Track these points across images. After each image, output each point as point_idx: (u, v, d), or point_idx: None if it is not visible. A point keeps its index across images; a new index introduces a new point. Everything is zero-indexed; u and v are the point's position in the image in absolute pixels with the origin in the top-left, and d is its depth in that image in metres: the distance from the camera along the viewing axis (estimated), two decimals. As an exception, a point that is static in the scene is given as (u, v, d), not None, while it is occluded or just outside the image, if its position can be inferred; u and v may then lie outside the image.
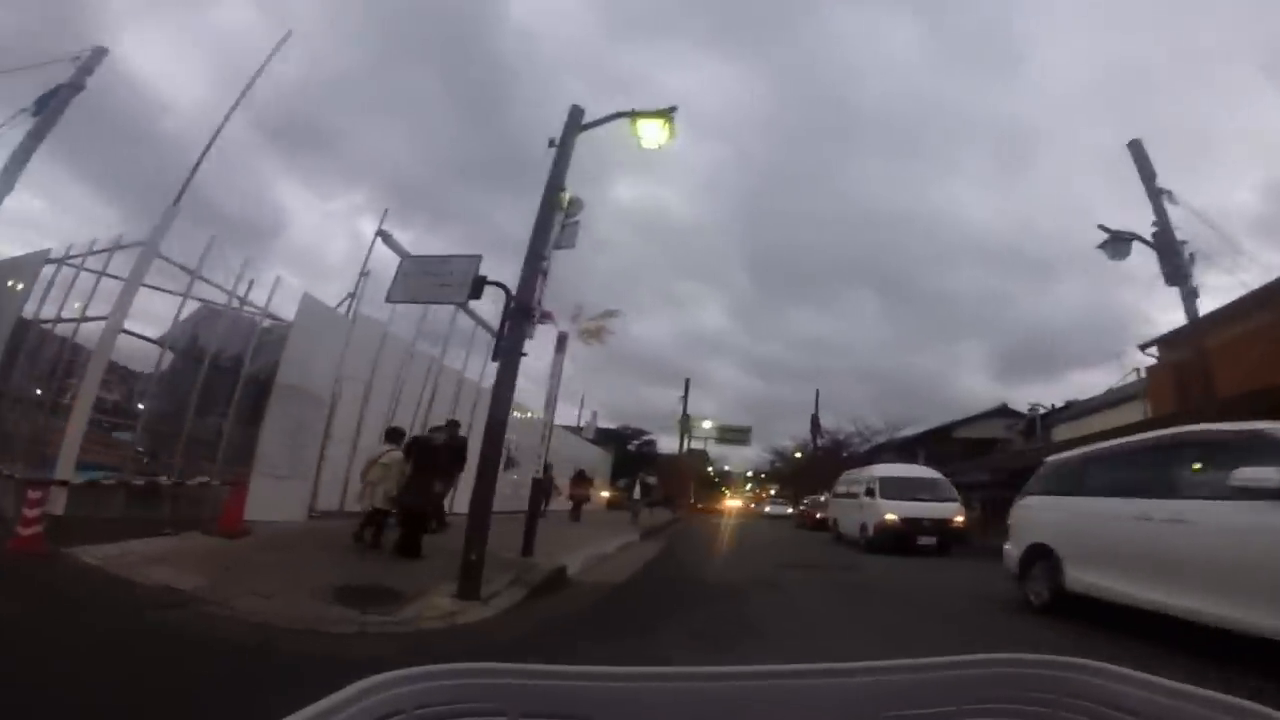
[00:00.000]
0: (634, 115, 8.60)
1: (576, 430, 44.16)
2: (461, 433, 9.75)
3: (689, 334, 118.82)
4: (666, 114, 8.68)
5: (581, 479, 20.47)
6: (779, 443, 67.95)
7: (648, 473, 59.16)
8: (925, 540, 14.54)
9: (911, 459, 44.18)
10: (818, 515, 26.07)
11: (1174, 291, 12.62)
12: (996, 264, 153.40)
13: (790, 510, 41.91)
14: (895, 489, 16.42)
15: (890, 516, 14.94)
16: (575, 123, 8.52)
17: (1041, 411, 39.61)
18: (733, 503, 75.10)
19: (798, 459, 60.46)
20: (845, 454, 50.29)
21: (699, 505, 55.02)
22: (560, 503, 19.90)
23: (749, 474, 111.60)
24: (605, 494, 36.83)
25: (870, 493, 16.47)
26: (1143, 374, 27.43)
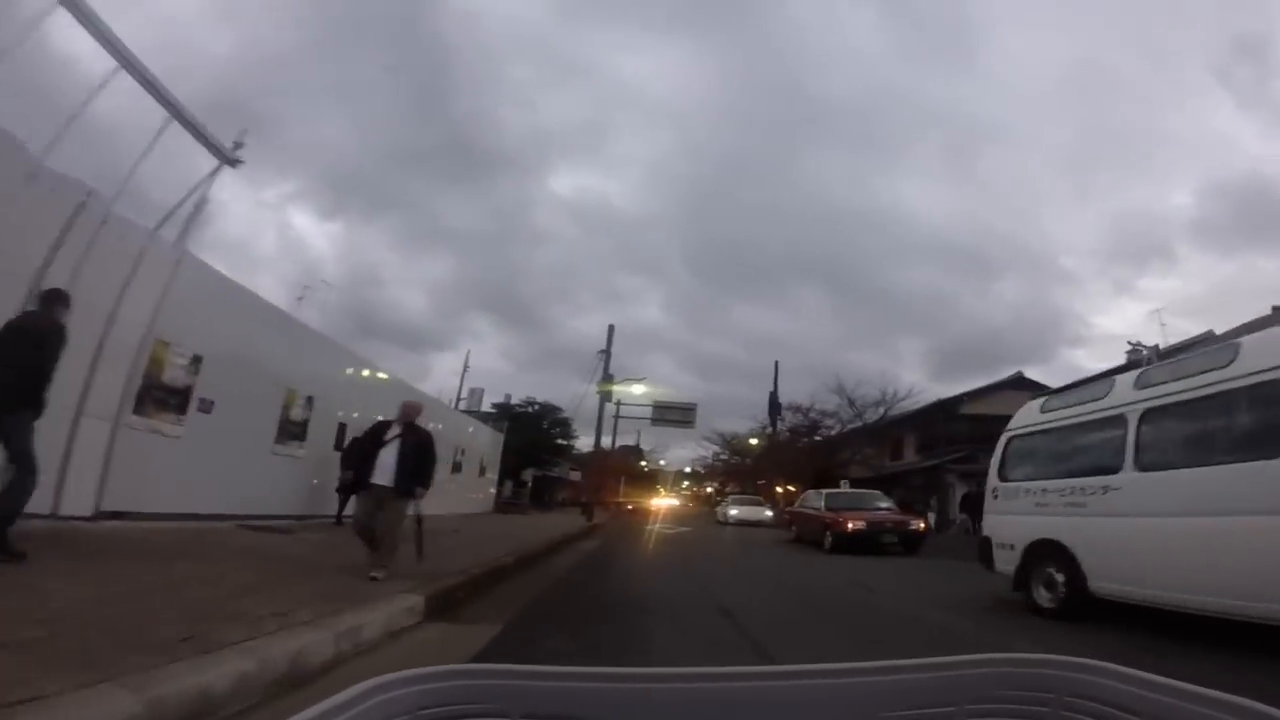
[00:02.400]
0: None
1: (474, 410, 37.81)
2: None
3: (630, 329, 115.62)
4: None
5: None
6: (726, 429, 58.42)
7: (545, 466, 46.43)
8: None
9: (911, 439, 41.28)
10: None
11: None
12: (944, 260, 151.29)
13: (769, 513, 33.23)
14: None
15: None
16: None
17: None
18: (666, 502, 68.78)
19: (753, 446, 53.63)
20: (818, 437, 44.07)
21: (627, 506, 50.45)
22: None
23: (687, 469, 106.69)
24: (492, 491, 29.45)
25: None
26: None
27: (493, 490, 27.32)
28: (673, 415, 39.82)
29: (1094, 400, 6.58)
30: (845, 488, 24.55)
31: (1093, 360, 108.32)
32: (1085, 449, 6.58)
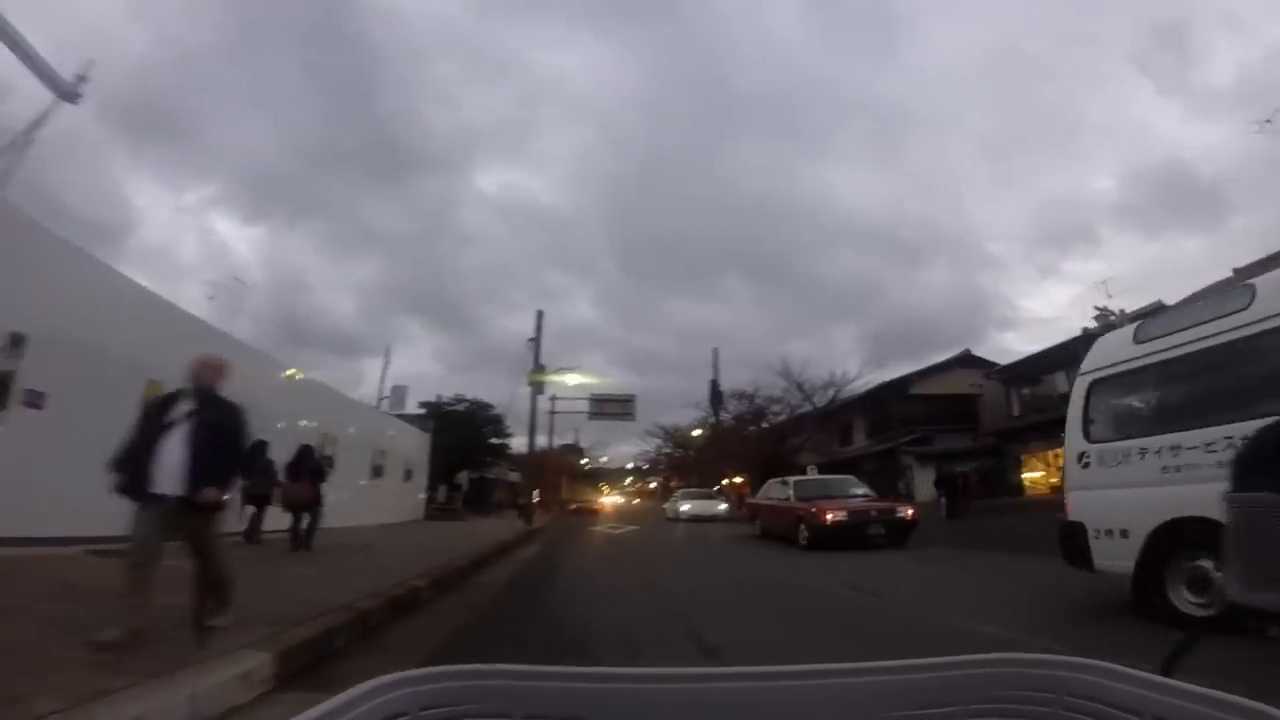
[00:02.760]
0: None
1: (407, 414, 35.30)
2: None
3: (561, 326, 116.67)
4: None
5: (305, 465, 11.04)
6: (667, 421, 56.90)
7: (481, 468, 43.63)
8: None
9: (861, 423, 41.21)
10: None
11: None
12: (871, 248, 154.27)
13: (723, 506, 31.32)
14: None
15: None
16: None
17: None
18: (612, 500, 69.61)
19: (696, 437, 51.94)
20: (765, 424, 42.99)
21: (573, 506, 46.99)
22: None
23: (629, 465, 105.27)
24: (422, 496, 27.49)
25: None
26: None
27: (422, 496, 24.94)
28: (611, 408, 37.69)
29: (1230, 314, 4.85)
30: (812, 473, 22.53)
31: (1023, 343, 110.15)
32: (1230, 383, 4.86)
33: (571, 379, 27.90)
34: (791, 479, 15.87)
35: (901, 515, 12.75)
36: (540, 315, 25.25)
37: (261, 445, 10.55)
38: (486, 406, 36.96)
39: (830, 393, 35.52)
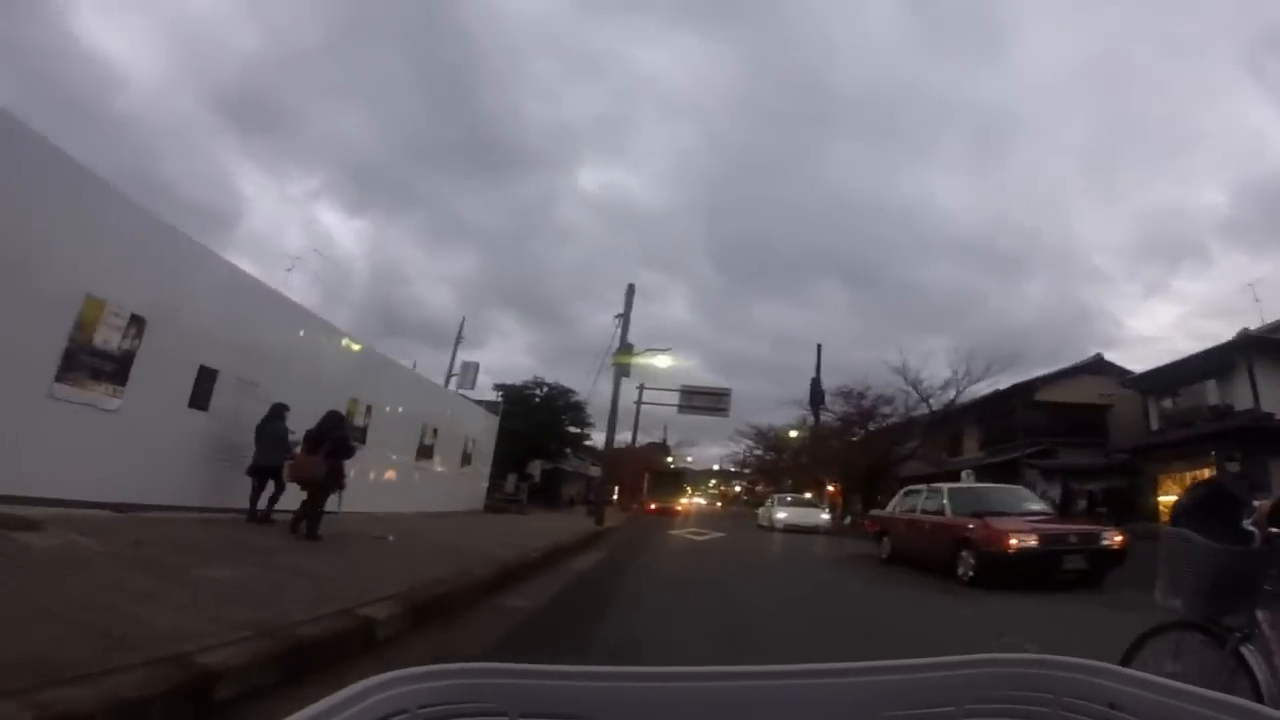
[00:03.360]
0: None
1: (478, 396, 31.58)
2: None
3: (652, 326, 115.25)
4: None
5: (330, 435, 9.40)
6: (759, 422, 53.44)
7: (556, 458, 40.82)
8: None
9: (973, 432, 36.55)
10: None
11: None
12: (969, 257, 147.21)
13: (826, 516, 28.13)
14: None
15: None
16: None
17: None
18: (695, 502, 69.82)
19: (792, 439, 48.84)
20: (872, 426, 38.35)
21: (653, 505, 44.26)
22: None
23: (715, 467, 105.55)
24: (484, 485, 24.57)
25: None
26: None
27: (484, 484, 22.97)
28: (702, 402, 34.51)
29: None
30: (969, 480, 18.45)
31: (1127, 361, 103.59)
32: None
33: (662, 361, 24.78)
34: (945, 486, 12.40)
35: (1107, 543, 9.45)
36: (631, 290, 22.31)
37: (279, 410, 9.61)
38: (567, 392, 34.36)
39: (950, 394, 30.89)
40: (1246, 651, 2.55)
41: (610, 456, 23.75)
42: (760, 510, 30.83)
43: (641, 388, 37.50)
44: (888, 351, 70.70)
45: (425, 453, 16.27)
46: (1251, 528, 2.71)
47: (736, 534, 20.97)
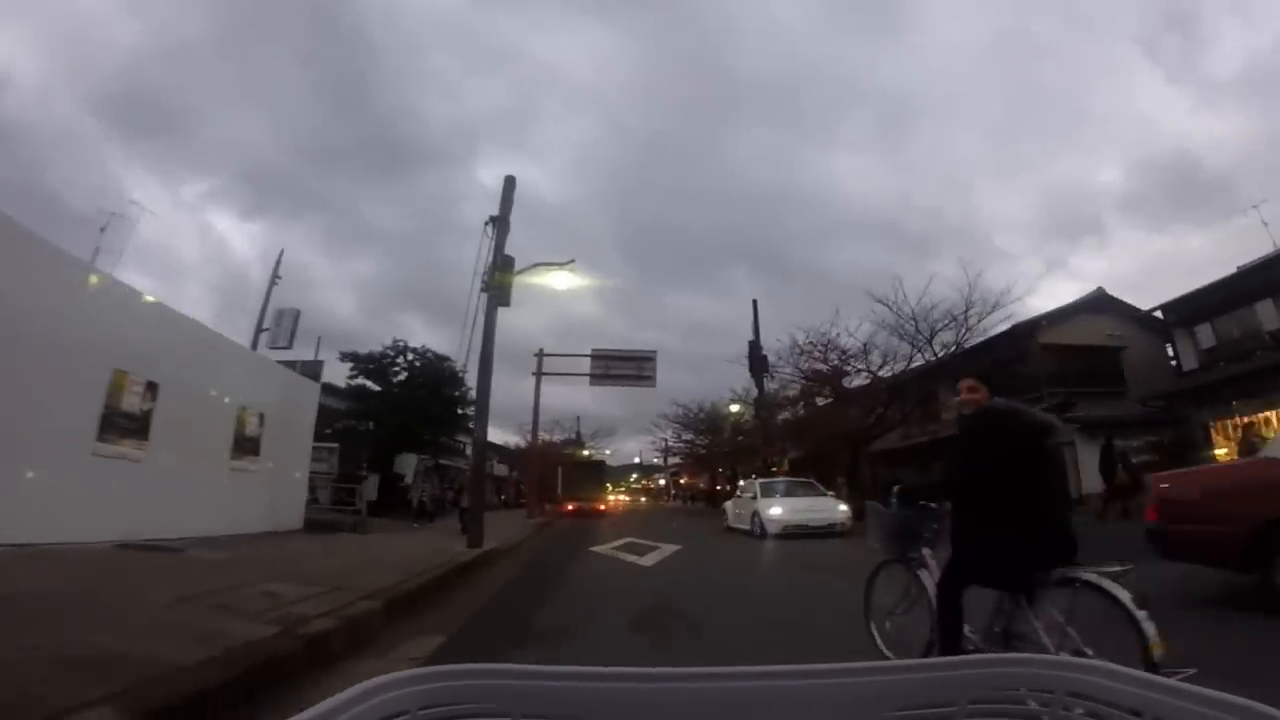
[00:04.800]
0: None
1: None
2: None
3: (560, 323, 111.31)
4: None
5: None
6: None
7: (448, 453, 32.59)
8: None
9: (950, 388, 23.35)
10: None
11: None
12: (877, 238, 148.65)
13: (844, 509, 18.26)
14: None
15: None
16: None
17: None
18: (618, 497, 66.75)
19: (733, 414, 40.92)
20: (845, 379, 28.21)
21: (568, 505, 36.12)
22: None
23: (636, 460, 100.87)
24: (303, 493, 17.17)
25: None
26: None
27: (301, 490, 17.00)
28: (621, 368, 26.60)
29: None
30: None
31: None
32: None
33: (560, 279, 16.31)
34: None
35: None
36: (510, 184, 13.56)
37: None
38: (443, 361, 25.64)
39: (962, 330, 24.12)
40: (921, 574, 4.29)
41: (482, 444, 15.29)
42: (729, 505, 23.42)
43: (541, 354, 29.51)
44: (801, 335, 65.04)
45: (144, 433, 7.94)
46: (894, 500, 4.53)
47: (701, 548, 15.50)
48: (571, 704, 0.83)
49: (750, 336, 35.00)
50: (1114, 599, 3.32)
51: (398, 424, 26.73)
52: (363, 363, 28.12)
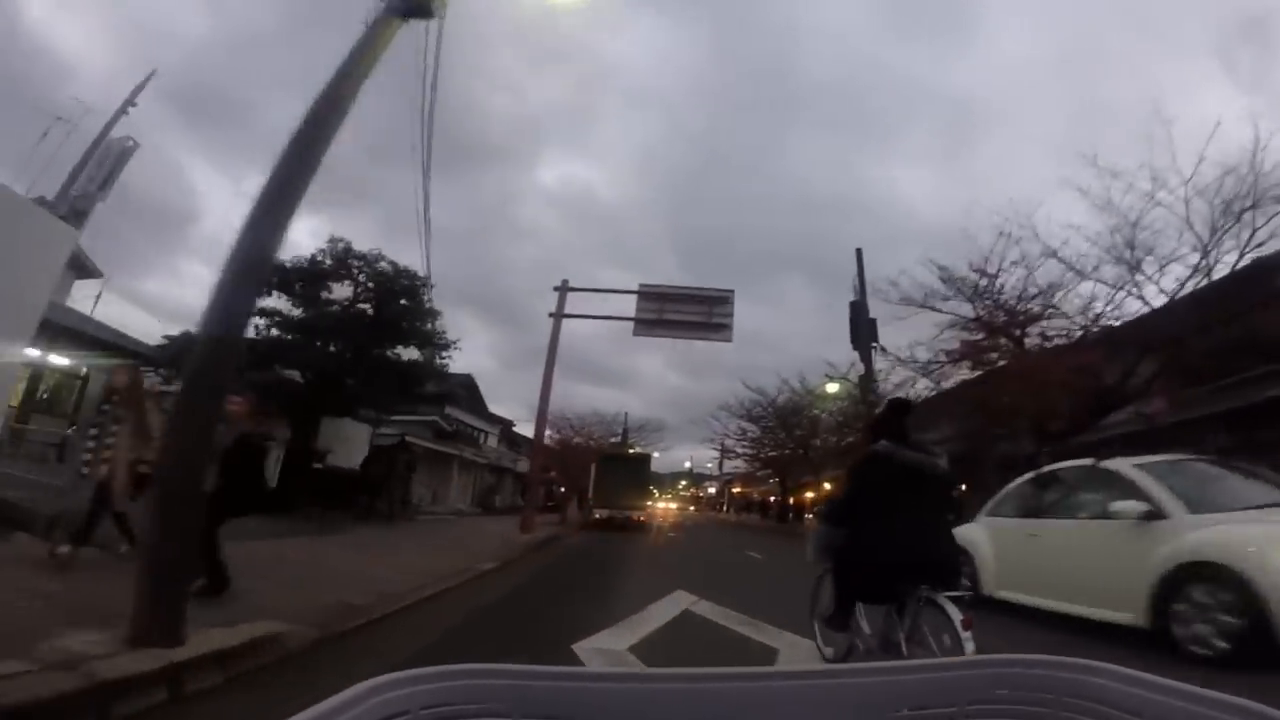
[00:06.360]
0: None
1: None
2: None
3: (612, 327, 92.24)
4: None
5: None
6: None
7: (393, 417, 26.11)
8: None
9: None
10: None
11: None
12: (936, 248, 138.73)
13: None
14: None
15: None
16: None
17: None
18: (666, 506, 60.20)
19: (829, 396, 29.80)
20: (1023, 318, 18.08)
21: (599, 514, 25.83)
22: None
23: (686, 465, 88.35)
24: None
25: None
26: None
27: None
28: (683, 313, 15.59)
29: None
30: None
31: None
32: None
33: None
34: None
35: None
36: None
37: None
38: (411, 276, 15.62)
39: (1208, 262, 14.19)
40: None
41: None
42: (984, 542, 10.44)
43: (565, 285, 19.89)
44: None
45: None
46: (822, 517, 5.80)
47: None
48: (571, 704, 0.83)
49: (853, 296, 25.86)
50: (948, 617, 3.98)
51: (329, 369, 17.69)
52: (281, 276, 17.04)
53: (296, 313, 17.83)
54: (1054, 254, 16.79)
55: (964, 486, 17.85)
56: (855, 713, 0.86)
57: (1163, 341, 15.85)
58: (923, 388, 22.09)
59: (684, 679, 0.86)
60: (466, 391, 43.15)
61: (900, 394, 22.33)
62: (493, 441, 47.75)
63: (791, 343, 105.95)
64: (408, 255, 23.29)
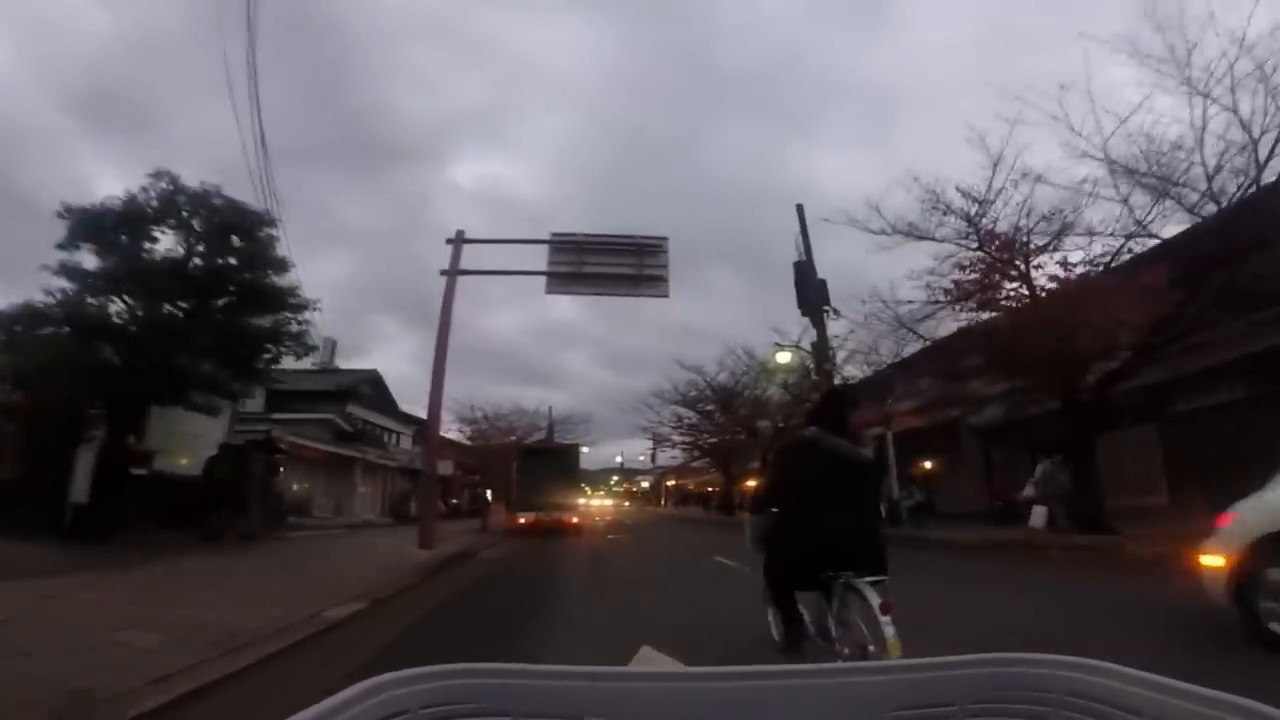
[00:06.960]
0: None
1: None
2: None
3: (539, 325, 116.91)
4: None
5: None
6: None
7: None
8: None
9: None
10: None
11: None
12: (859, 236, 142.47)
13: None
14: None
15: None
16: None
17: None
18: (601, 504, 57.73)
19: (780, 367, 27.00)
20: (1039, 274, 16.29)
21: (523, 519, 23.05)
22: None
23: (617, 461, 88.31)
24: None
25: None
26: None
27: None
28: (607, 266, 11.80)
29: None
30: None
31: None
32: None
33: None
34: None
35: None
36: None
37: None
38: (248, 216, 11.41)
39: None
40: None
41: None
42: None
43: (459, 237, 16.34)
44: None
45: None
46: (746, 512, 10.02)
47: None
48: (571, 704, 0.84)
49: (796, 257, 22.92)
50: (868, 603, 4.09)
51: (155, 343, 13.49)
52: (90, 223, 13.23)
53: (109, 268, 13.63)
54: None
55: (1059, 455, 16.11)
56: (855, 712, 0.86)
57: (1222, 258, 13.22)
58: (889, 350, 20.71)
59: (684, 678, 0.91)
60: (373, 389, 40.39)
61: (874, 357, 21.43)
62: (406, 443, 44.39)
63: (728, 331, 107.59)
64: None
